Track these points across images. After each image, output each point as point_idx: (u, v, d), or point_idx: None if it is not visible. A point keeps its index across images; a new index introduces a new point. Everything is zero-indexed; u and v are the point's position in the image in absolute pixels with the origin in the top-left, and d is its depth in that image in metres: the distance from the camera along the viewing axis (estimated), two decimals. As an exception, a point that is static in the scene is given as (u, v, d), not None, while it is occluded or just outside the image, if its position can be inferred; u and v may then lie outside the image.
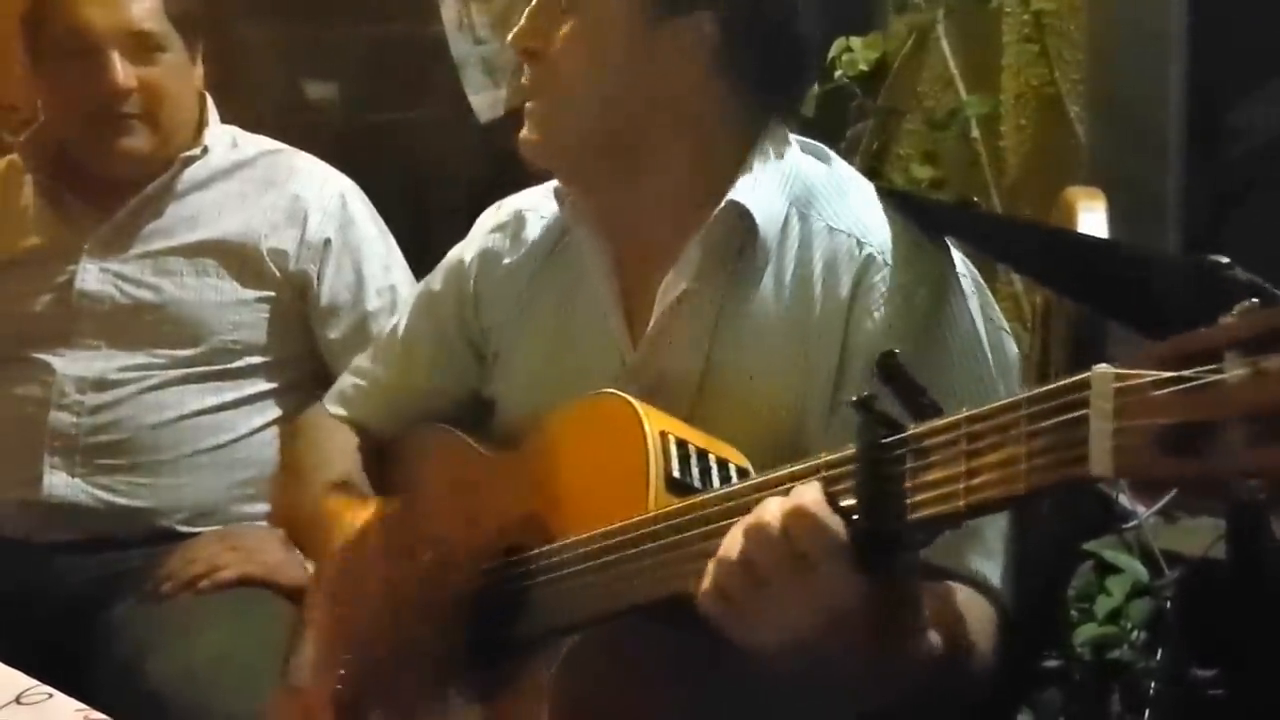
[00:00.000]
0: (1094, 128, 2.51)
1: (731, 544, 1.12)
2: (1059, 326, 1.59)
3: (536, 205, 1.61)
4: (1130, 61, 2.47)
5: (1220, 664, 2.07)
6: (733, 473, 1.30)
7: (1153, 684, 2.13)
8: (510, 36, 1.48)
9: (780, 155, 1.45)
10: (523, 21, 1.46)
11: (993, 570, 1.35)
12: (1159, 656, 2.14)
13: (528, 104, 1.47)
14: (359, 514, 1.52)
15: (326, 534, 1.54)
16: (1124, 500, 2.28)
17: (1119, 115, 2.48)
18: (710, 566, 1.14)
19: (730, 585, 1.12)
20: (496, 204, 1.67)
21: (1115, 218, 1.58)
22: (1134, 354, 0.93)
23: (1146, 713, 2.12)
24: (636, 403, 1.32)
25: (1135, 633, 2.18)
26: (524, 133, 1.47)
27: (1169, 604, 2.17)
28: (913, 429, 1.07)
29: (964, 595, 1.33)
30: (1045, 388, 0.98)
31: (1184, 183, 2.46)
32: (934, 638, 1.21)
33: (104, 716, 1.37)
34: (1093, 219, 1.58)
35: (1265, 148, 2.39)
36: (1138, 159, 2.45)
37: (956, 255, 1.45)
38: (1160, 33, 2.44)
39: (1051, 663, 2.13)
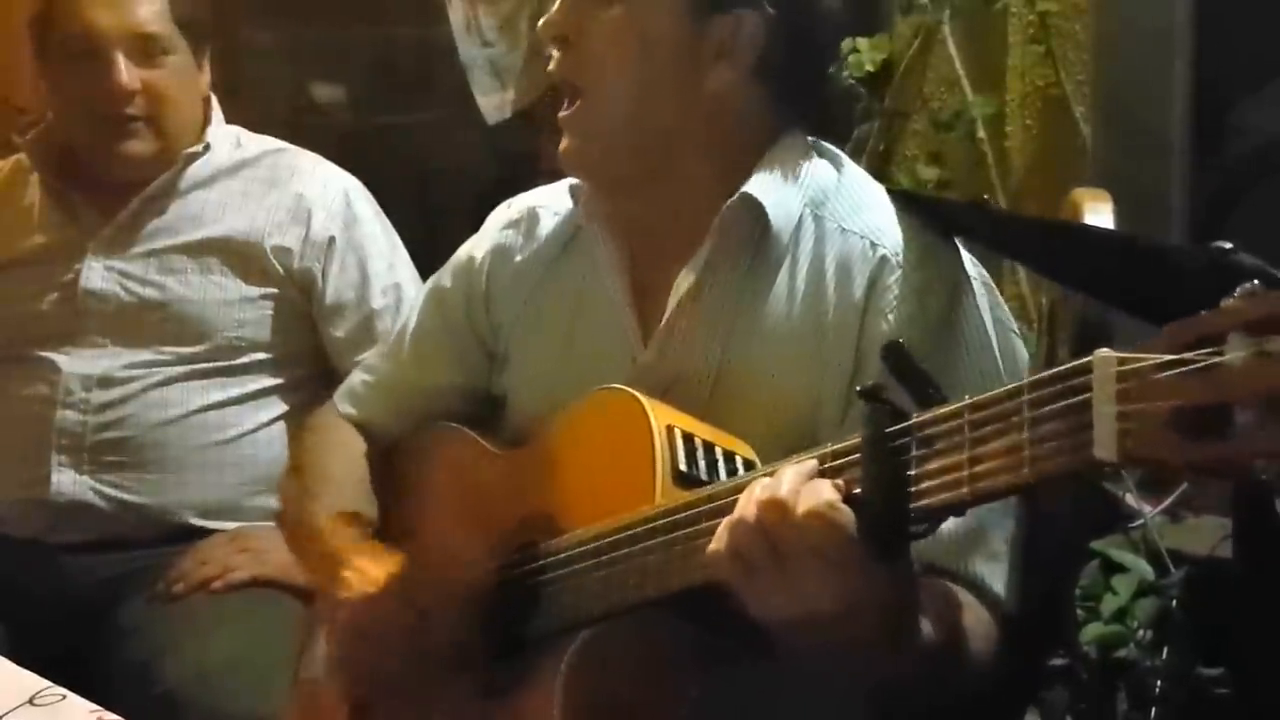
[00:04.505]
0: (1099, 128, 2.52)
1: (747, 509, 1.12)
2: (1065, 326, 1.59)
3: (550, 202, 1.60)
4: (1135, 62, 2.47)
5: (1226, 662, 2.07)
6: (739, 465, 1.30)
7: (1158, 682, 2.13)
8: (541, 23, 1.47)
9: (797, 156, 1.45)
10: (555, 8, 1.45)
11: (996, 575, 1.35)
12: (1165, 655, 2.14)
13: (563, 114, 1.45)
14: (370, 566, 1.48)
15: (332, 565, 1.52)
16: (1130, 499, 2.29)
17: (1124, 116, 2.49)
18: (723, 531, 1.14)
19: (747, 549, 1.12)
20: (508, 201, 1.66)
21: (1120, 218, 1.59)
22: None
23: (1152, 711, 2.12)
24: (642, 397, 1.33)
25: (1141, 631, 2.18)
26: (563, 143, 1.46)
27: (1175, 603, 2.17)
28: (917, 417, 1.07)
29: (961, 596, 1.32)
30: (1047, 373, 0.98)
31: (1188, 183, 2.47)
32: (927, 630, 1.22)
33: (117, 718, 1.37)
34: (1099, 220, 1.58)
35: (1269, 148, 2.39)
36: (1142, 159, 2.45)
37: (967, 257, 1.45)
38: (1165, 33, 2.45)
39: (1058, 661, 2.13)
